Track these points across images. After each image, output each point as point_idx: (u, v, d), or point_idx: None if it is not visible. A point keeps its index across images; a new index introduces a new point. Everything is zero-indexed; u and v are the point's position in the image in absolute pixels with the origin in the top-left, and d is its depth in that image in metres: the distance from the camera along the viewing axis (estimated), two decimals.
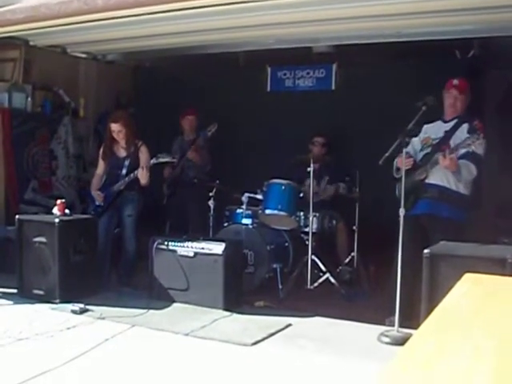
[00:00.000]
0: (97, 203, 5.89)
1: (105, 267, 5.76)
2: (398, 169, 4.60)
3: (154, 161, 5.67)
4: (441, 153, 4.41)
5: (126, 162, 5.79)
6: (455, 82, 4.69)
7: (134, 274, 5.86)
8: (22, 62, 6.81)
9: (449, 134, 4.62)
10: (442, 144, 4.60)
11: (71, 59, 7.26)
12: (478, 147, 4.39)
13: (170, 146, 6.87)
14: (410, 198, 4.51)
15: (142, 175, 5.58)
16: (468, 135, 4.37)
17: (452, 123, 4.66)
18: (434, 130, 4.77)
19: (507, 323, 1.44)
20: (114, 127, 5.71)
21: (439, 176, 4.57)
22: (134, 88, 8.32)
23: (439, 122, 4.78)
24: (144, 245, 5.50)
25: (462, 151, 4.37)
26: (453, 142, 4.51)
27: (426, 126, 4.81)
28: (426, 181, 4.63)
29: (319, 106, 7.12)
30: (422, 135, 4.82)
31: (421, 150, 4.80)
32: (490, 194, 6.04)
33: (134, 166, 5.73)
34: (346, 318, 4.75)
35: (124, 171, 5.76)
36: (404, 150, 4.33)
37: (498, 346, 1.27)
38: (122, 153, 5.85)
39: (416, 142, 4.82)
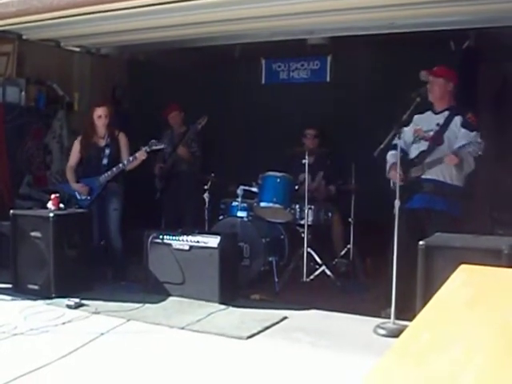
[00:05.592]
0: (82, 197, 5.74)
1: (100, 262, 5.70)
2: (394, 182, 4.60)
3: (146, 149, 5.61)
4: (447, 157, 4.37)
5: (107, 151, 5.72)
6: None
7: (126, 268, 5.82)
8: (16, 56, 6.76)
9: (443, 128, 4.58)
10: (435, 138, 4.58)
11: (65, 53, 7.22)
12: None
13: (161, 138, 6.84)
14: (404, 193, 4.49)
15: (133, 164, 5.62)
16: (467, 140, 4.31)
17: (444, 115, 4.63)
18: (425, 122, 4.73)
19: (502, 314, 1.43)
20: (101, 111, 5.68)
21: (435, 171, 4.54)
22: (128, 81, 8.28)
23: (429, 113, 4.74)
24: (139, 239, 5.48)
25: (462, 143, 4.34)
26: (446, 137, 4.51)
27: (416, 117, 4.75)
28: (422, 176, 4.61)
29: (314, 97, 7.11)
30: (412, 126, 4.77)
31: (413, 142, 4.77)
32: (486, 186, 6.03)
33: (115, 155, 5.70)
34: (342, 310, 4.75)
35: (105, 161, 5.69)
36: (397, 143, 4.32)
37: (493, 337, 1.27)
38: (102, 142, 5.77)
39: (407, 133, 4.76)
